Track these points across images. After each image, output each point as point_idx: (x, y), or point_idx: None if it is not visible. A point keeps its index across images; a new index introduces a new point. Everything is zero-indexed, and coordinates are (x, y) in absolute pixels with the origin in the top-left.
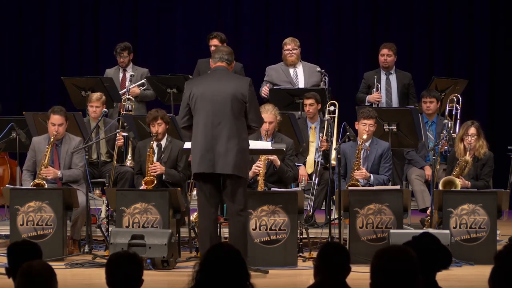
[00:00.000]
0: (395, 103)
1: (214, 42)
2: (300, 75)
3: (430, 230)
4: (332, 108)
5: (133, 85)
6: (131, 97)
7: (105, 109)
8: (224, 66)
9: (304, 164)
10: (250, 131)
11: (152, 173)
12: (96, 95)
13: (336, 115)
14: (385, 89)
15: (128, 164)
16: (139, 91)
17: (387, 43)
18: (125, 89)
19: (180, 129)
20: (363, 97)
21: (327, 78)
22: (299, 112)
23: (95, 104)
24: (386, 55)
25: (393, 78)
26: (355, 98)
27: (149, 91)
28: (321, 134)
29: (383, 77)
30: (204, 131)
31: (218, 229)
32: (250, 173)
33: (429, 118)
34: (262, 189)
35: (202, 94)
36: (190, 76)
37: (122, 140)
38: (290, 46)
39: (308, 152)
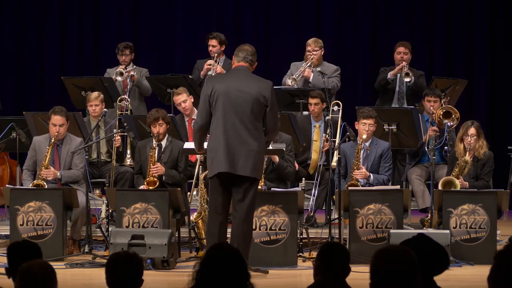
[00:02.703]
0: (406, 105)
1: (213, 42)
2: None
3: (430, 230)
4: (336, 108)
5: (133, 72)
6: (126, 97)
7: (105, 109)
8: (247, 67)
9: (308, 165)
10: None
11: (153, 174)
12: (95, 94)
13: (340, 115)
14: (398, 87)
15: (128, 163)
16: (137, 77)
17: (403, 41)
18: (127, 89)
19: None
20: (382, 76)
21: (327, 79)
22: (299, 112)
23: (94, 103)
24: (402, 53)
25: (407, 79)
26: (375, 85)
27: (146, 82)
28: (324, 134)
29: (397, 76)
30: (225, 131)
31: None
32: None
33: (430, 116)
34: (262, 186)
35: (224, 92)
36: (190, 76)
37: (120, 140)
38: (311, 47)
39: (311, 150)
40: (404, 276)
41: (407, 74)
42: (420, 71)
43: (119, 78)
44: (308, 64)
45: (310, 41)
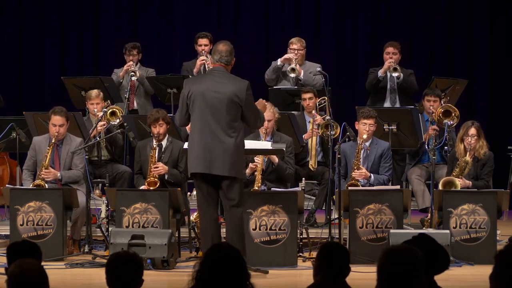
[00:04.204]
0: (398, 101)
1: (204, 41)
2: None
3: (430, 230)
4: (322, 101)
5: (135, 70)
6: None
7: (105, 109)
8: (223, 67)
9: (306, 163)
10: (251, 129)
11: (155, 174)
12: (95, 92)
13: (326, 104)
14: (389, 84)
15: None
16: (141, 73)
17: (391, 41)
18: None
19: (179, 126)
20: (373, 76)
21: (327, 78)
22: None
23: (95, 101)
24: (391, 53)
25: (395, 74)
26: (366, 86)
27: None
28: (313, 111)
29: (387, 74)
30: (201, 131)
31: (219, 229)
32: (248, 170)
33: (430, 116)
34: (260, 186)
35: (200, 93)
36: (190, 76)
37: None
38: (296, 46)
39: (308, 147)
40: (411, 276)
41: (395, 69)
42: (410, 70)
43: (133, 78)
44: (296, 63)
45: (294, 40)
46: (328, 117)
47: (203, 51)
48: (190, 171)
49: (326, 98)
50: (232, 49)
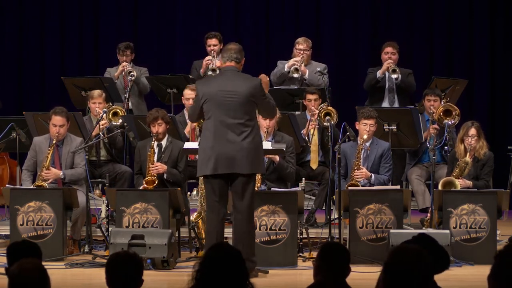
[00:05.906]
0: (396, 101)
1: (213, 41)
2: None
3: (430, 230)
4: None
5: (132, 70)
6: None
7: (106, 109)
8: (234, 66)
9: (307, 162)
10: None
11: (153, 173)
12: (98, 92)
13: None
14: (388, 85)
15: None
16: (136, 73)
17: (390, 41)
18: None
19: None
20: (371, 76)
21: (326, 78)
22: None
23: (98, 101)
24: (390, 53)
25: (395, 76)
26: (365, 86)
27: (144, 79)
28: (312, 119)
29: (386, 75)
30: (217, 133)
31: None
32: None
33: (430, 116)
34: (259, 185)
35: (214, 95)
36: (190, 76)
37: (105, 124)
38: (302, 47)
39: (310, 145)
40: (418, 277)
41: (394, 71)
42: (408, 70)
43: (132, 78)
44: (302, 62)
45: (301, 40)
46: (328, 118)
47: (212, 51)
48: (208, 173)
49: (326, 104)
50: (241, 48)
